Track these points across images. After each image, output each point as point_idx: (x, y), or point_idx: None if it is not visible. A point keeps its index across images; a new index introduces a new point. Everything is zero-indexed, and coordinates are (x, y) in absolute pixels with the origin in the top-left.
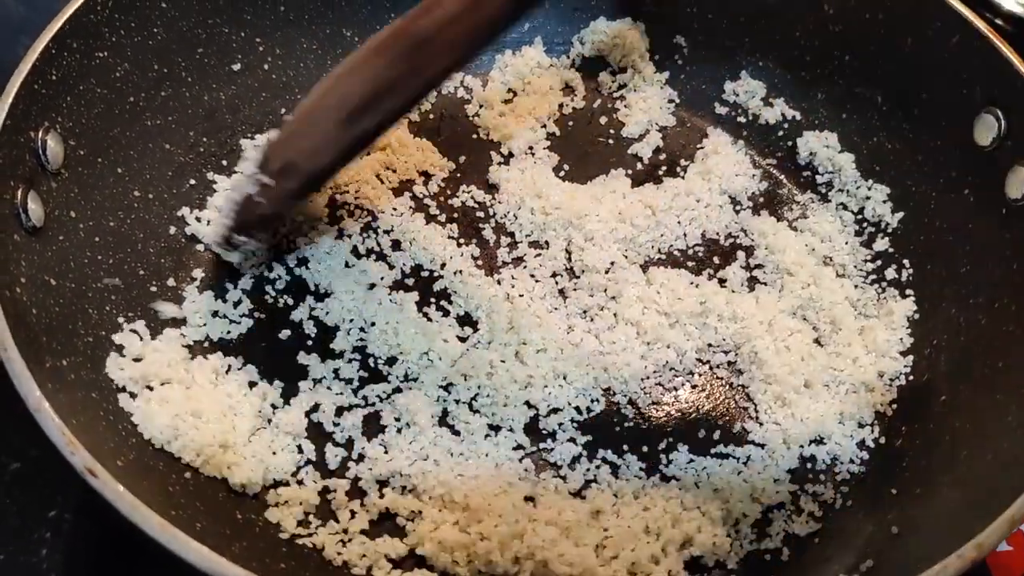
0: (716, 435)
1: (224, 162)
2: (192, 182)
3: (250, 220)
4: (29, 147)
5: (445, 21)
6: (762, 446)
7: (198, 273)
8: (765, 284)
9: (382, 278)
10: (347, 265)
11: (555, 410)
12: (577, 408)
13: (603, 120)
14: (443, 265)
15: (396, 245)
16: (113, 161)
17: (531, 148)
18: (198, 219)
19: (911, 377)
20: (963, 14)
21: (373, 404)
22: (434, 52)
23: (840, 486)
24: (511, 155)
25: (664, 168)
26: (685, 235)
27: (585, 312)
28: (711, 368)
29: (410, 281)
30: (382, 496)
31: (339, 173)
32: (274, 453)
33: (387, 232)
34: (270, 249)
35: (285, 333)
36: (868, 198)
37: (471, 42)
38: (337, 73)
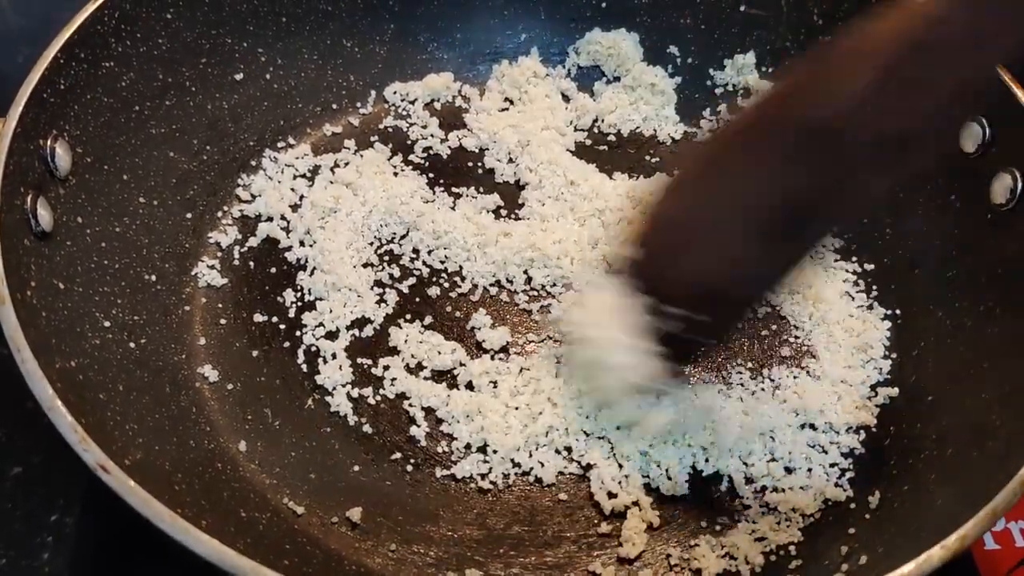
0: None
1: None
2: (196, 189)
3: (687, 352)
4: (38, 154)
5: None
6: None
7: (202, 279)
8: None
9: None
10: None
11: None
12: None
13: (597, 128)
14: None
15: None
16: (119, 168)
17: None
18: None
19: (898, 378)
20: None
21: None
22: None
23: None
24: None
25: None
26: None
27: None
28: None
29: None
30: None
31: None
32: None
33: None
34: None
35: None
36: None
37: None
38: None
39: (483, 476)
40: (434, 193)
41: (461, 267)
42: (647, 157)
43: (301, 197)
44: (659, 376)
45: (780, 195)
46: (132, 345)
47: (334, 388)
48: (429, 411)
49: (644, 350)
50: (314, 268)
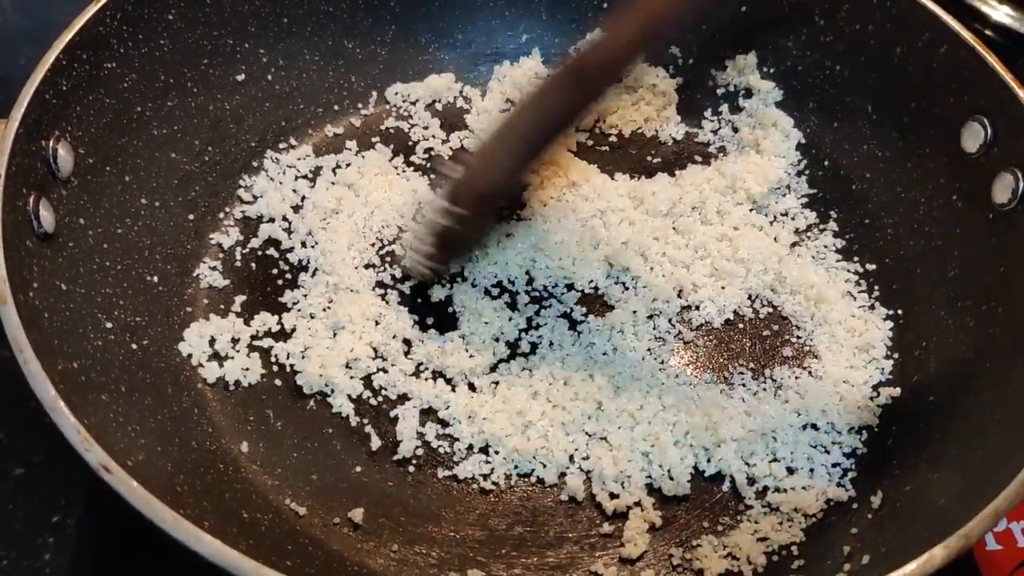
0: None
1: (227, 171)
2: (197, 190)
3: (453, 247)
4: (41, 155)
5: (606, 56)
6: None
7: (204, 280)
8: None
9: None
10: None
11: None
12: None
13: (598, 129)
14: None
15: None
16: (121, 169)
17: None
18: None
19: (900, 378)
20: (951, 25)
21: None
22: (598, 79)
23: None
24: None
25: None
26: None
27: None
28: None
29: None
30: None
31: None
32: None
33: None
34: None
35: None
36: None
37: (628, 65)
38: (522, 105)
39: (485, 477)
40: (436, 194)
41: (463, 268)
42: (648, 157)
43: (303, 198)
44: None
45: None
46: (134, 346)
47: (335, 389)
48: (431, 412)
49: (421, 242)
50: (316, 269)
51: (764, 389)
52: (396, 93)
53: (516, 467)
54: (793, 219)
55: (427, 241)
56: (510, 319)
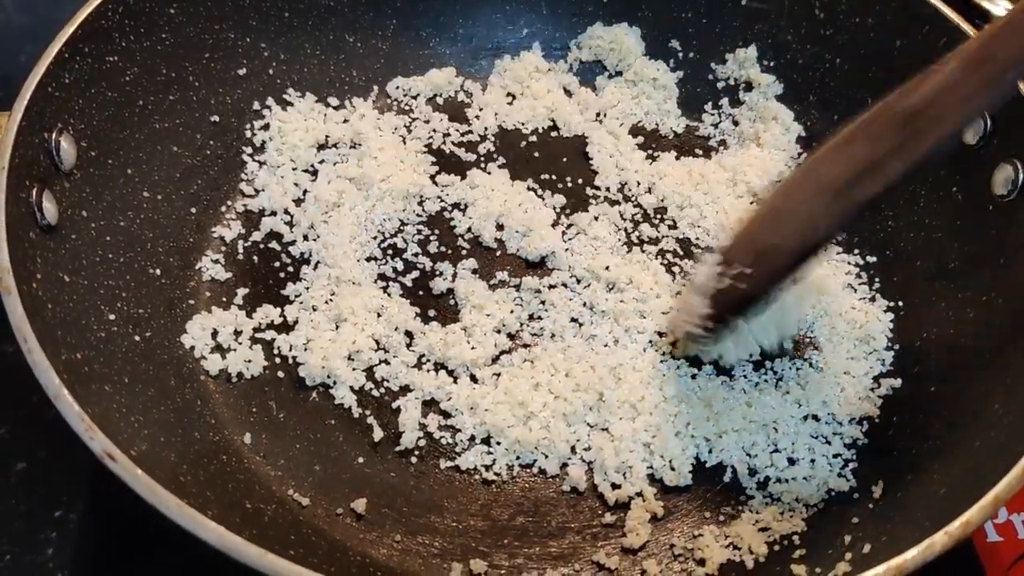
0: None
1: (229, 165)
2: (200, 183)
3: (733, 306)
4: (43, 148)
5: (934, 94)
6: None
7: (206, 273)
8: None
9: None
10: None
11: None
12: None
13: (600, 123)
14: None
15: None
16: (123, 162)
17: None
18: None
19: (901, 369)
20: (950, 18)
21: None
22: (922, 126)
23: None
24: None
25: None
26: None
27: None
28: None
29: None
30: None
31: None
32: None
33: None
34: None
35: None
36: None
37: (965, 110)
38: (817, 156)
39: (487, 467)
40: (437, 187)
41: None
42: (650, 151)
43: (304, 191)
44: (705, 327)
45: (856, 162)
46: (137, 338)
47: (338, 381)
48: (433, 403)
49: (700, 307)
50: (318, 262)
51: (765, 380)
52: (397, 87)
53: (518, 458)
54: None
55: (701, 304)
56: (511, 311)
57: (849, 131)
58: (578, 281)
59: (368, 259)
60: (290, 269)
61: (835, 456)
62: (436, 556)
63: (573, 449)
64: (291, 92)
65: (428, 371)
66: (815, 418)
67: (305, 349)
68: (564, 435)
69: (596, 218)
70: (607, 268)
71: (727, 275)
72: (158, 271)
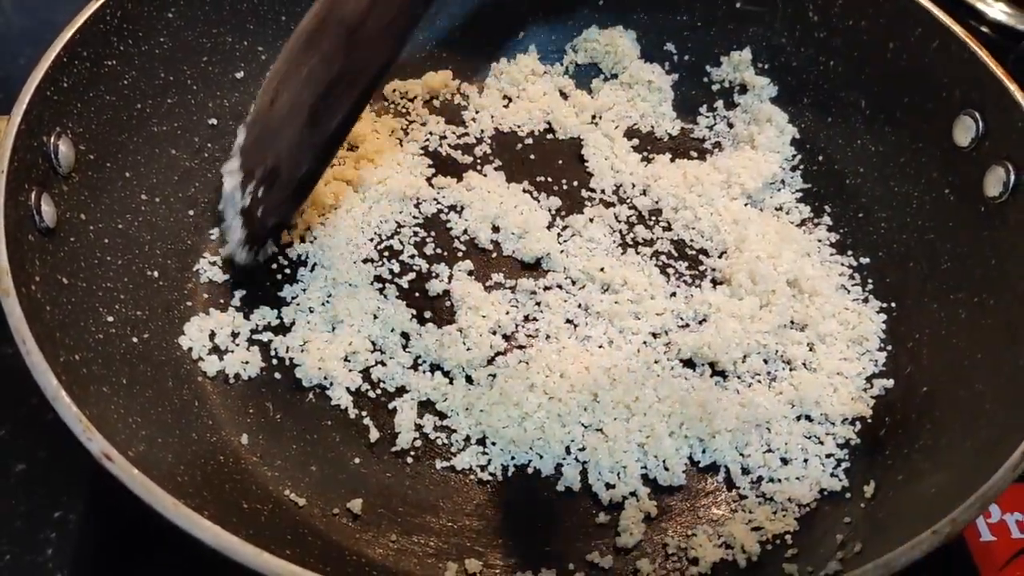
0: None
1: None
2: (197, 186)
3: (260, 232)
4: (42, 151)
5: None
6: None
7: (204, 275)
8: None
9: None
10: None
11: None
12: None
13: (595, 125)
14: None
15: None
16: (121, 166)
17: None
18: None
19: (893, 369)
20: (943, 20)
21: None
22: (368, 43)
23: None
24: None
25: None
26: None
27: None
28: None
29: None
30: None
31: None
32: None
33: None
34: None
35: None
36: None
37: (403, 28)
38: (280, 73)
39: (482, 468)
40: (433, 189)
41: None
42: (645, 153)
43: None
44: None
45: (317, 86)
46: (135, 340)
47: (334, 382)
48: (429, 404)
49: (231, 226)
50: (315, 264)
51: (759, 381)
52: (394, 90)
53: (513, 458)
54: (788, 213)
55: (234, 227)
56: (507, 312)
57: (306, 38)
58: (573, 283)
59: (364, 261)
60: (287, 271)
61: (827, 456)
62: (431, 556)
63: (568, 449)
64: None
65: (424, 372)
66: (808, 418)
67: (302, 350)
68: (559, 436)
69: (591, 220)
70: (602, 270)
71: (249, 196)
72: (156, 273)
